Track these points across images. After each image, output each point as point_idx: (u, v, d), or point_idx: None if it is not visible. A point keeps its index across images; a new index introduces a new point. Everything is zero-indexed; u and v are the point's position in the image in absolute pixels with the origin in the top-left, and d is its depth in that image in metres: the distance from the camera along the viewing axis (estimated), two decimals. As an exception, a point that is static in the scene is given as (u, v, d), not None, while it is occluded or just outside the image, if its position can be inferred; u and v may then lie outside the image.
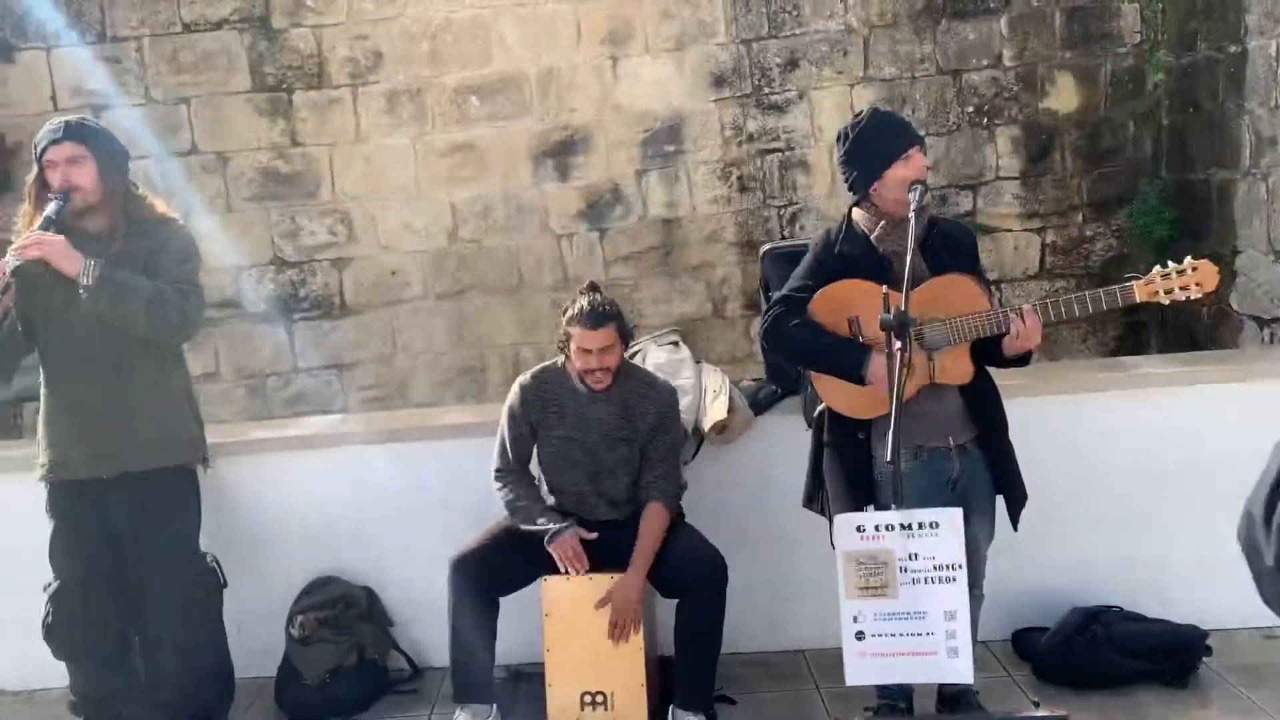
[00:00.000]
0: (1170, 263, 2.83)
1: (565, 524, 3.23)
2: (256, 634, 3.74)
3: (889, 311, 2.73)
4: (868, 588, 2.75)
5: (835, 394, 3.05)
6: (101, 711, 3.32)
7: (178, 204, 6.02)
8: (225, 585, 3.57)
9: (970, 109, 6.27)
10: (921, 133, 3.13)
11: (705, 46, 6.25)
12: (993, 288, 3.26)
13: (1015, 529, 3.05)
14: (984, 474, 3.01)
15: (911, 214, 2.85)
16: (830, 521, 3.11)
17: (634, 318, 5.83)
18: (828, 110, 6.25)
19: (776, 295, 3.13)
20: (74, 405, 3.12)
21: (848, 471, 3.04)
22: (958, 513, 2.72)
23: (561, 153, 6.31)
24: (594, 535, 3.23)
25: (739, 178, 6.31)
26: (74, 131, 3.06)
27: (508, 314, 6.42)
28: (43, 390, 3.19)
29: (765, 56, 6.25)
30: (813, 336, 2.97)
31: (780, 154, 6.30)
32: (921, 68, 6.24)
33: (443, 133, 6.26)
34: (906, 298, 2.73)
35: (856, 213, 3.04)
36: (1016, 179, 6.32)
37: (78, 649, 3.25)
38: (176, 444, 3.18)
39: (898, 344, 2.70)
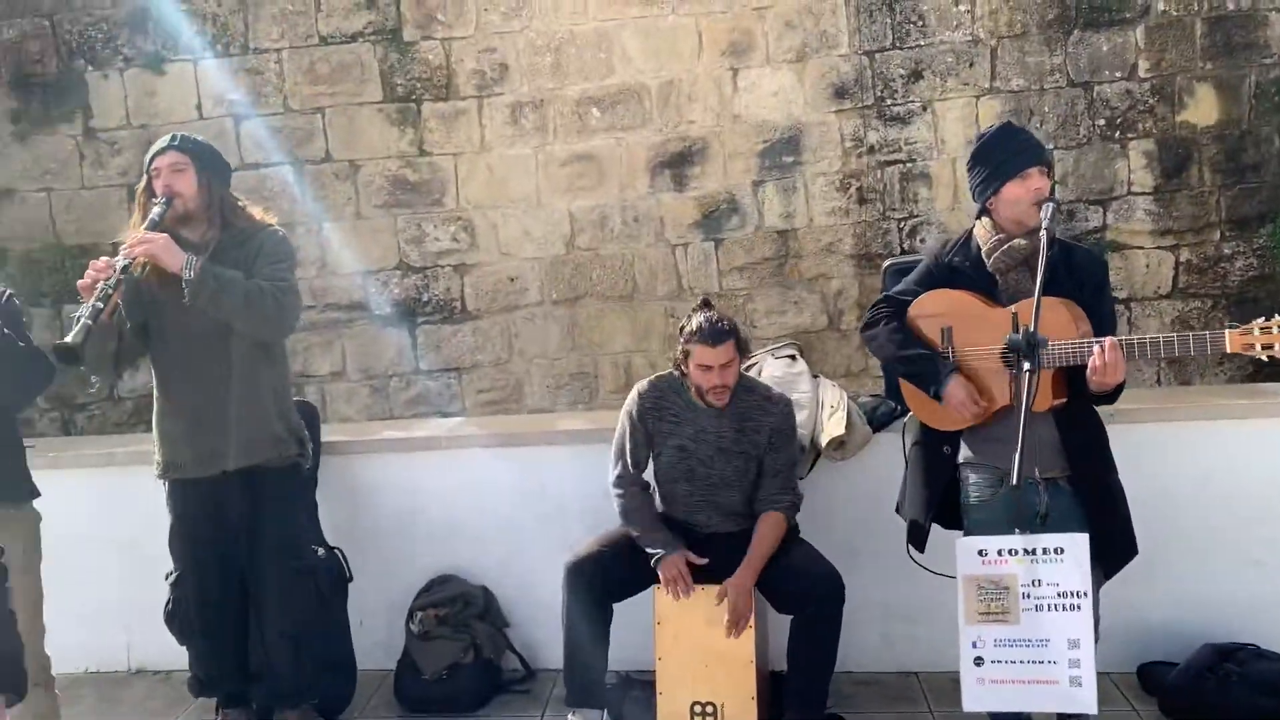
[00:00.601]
0: (1276, 314, 2.60)
1: (673, 547, 3.25)
2: (378, 627, 3.88)
3: (1017, 331, 2.68)
4: (988, 613, 2.70)
5: (919, 402, 3.01)
6: (218, 691, 3.51)
7: (309, 210, 6.35)
8: (350, 579, 3.72)
9: (1101, 122, 6.08)
10: (1049, 146, 3.06)
11: (827, 57, 6.21)
12: (1114, 315, 3.12)
13: (1106, 578, 2.86)
14: (1075, 514, 2.81)
15: (1044, 231, 2.79)
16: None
17: (747, 329, 5.83)
18: (951, 122, 6.15)
19: (881, 295, 3.13)
20: (180, 408, 3.30)
21: (926, 481, 3.00)
22: (1084, 539, 2.64)
23: (679, 163, 6.36)
24: (704, 561, 3.25)
25: (858, 189, 6.26)
26: (179, 143, 3.28)
27: (621, 321, 6.50)
28: (155, 393, 3.38)
29: (888, 67, 6.18)
30: (901, 342, 2.94)
31: (901, 166, 6.22)
32: (1051, 79, 6.08)
33: (563, 143, 6.37)
34: (1036, 317, 2.68)
35: (977, 225, 3.00)
36: (1150, 194, 6.10)
37: (194, 634, 3.44)
38: (262, 443, 3.31)
39: (1026, 365, 2.65)
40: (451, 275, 6.50)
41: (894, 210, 6.26)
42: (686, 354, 3.25)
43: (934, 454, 2.98)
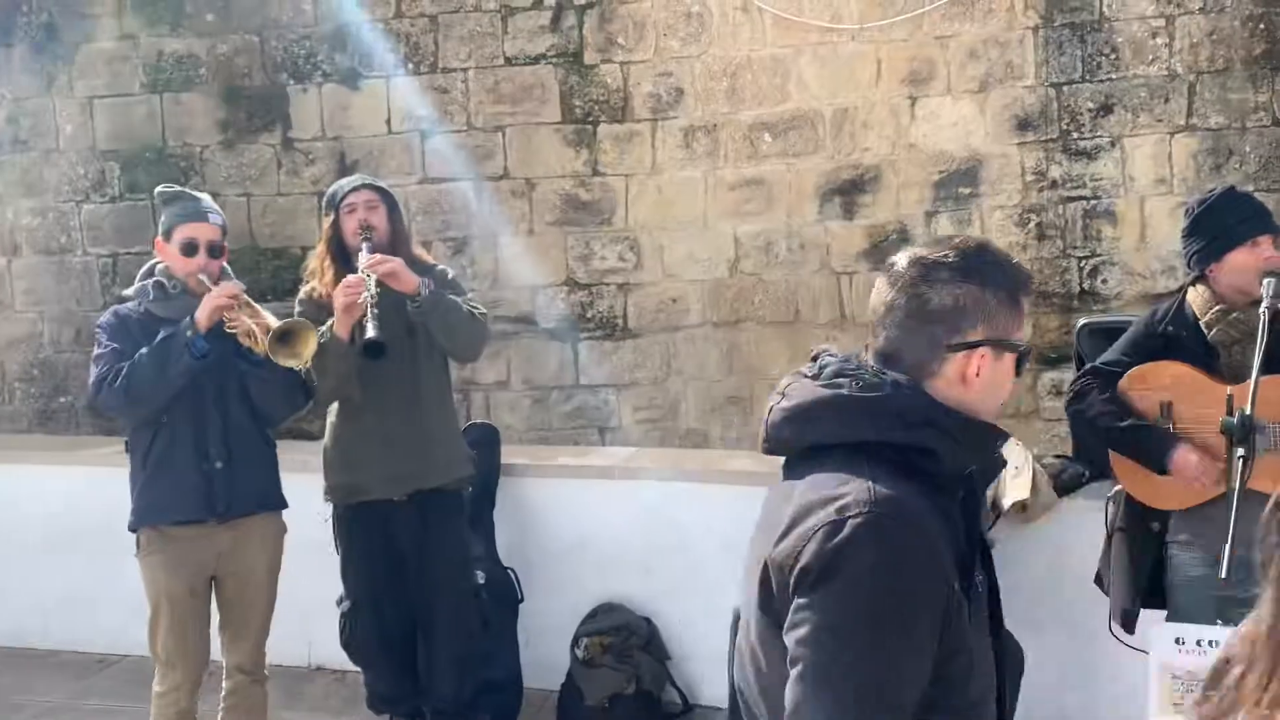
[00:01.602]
0: None
1: None
2: (544, 648, 3.98)
3: (1231, 414, 2.58)
4: (1182, 705, 2.60)
5: (1133, 479, 2.90)
6: (395, 709, 3.67)
7: (486, 224, 6.57)
8: (521, 599, 3.84)
9: (1310, 165, 5.72)
10: (1249, 187, 2.93)
11: (1011, 89, 6.03)
12: None
13: None
14: None
15: (1264, 310, 2.67)
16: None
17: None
18: (1141, 159, 5.89)
19: (1087, 366, 3.03)
20: (372, 432, 3.42)
21: (1132, 562, 2.90)
22: (1294, 637, 2.52)
23: (849, 191, 6.28)
24: None
25: (1037, 224, 6.06)
26: (369, 184, 3.51)
27: (780, 348, 6.46)
28: (336, 416, 3.52)
29: (1076, 100, 5.96)
30: (1116, 414, 2.84)
31: (1085, 202, 6.00)
32: (1254, 118, 5.75)
33: (734, 168, 6.38)
34: (1253, 400, 2.56)
35: (1191, 292, 2.89)
36: (1361, 243, 5.70)
37: (372, 658, 3.61)
38: (457, 461, 3.48)
39: (1239, 451, 2.55)
40: (615, 293, 6.61)
41: (1074, 248, 6.03)
42: None
43: (1140, 533, 2.88)
